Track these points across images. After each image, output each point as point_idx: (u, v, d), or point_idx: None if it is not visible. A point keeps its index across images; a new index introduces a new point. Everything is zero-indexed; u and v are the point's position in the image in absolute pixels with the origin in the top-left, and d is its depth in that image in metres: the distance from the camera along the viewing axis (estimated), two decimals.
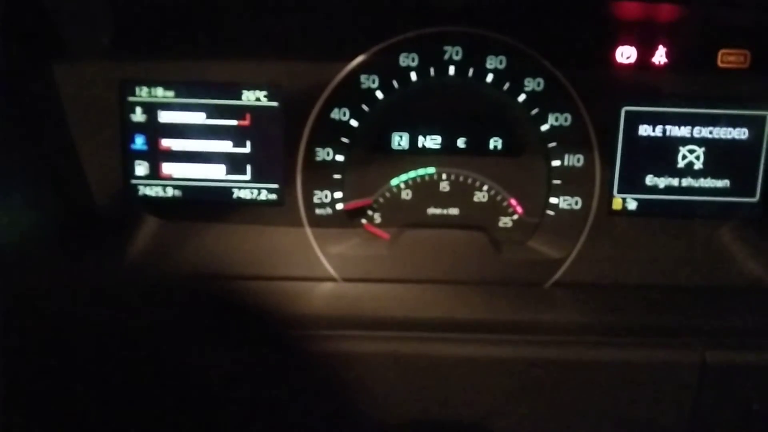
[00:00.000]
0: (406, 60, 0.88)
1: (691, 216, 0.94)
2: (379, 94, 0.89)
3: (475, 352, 0.78)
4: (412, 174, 0.93)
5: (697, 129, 0.91)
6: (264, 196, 0.93)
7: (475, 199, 0.93)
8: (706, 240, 0.94)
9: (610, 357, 0.78)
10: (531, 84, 0.89)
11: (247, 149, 0.92)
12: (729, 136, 0.91)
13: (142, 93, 0.90)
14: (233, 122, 0.91)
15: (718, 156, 0.92)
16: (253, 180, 0.93)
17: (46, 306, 0.78)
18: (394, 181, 0.93)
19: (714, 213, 0.94)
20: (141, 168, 0.93)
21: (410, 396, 0.79)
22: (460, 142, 0.92)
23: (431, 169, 0.93)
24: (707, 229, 0.94)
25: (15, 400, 0.75)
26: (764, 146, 0.91)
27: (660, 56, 0.89)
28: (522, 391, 0.78)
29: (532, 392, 0.78)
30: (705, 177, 0.93)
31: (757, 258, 0.92)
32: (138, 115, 0.91)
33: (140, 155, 0.92)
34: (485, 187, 0.93)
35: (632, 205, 0.93)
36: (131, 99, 0.90)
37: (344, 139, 0.91)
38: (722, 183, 0.93)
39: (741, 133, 0.91)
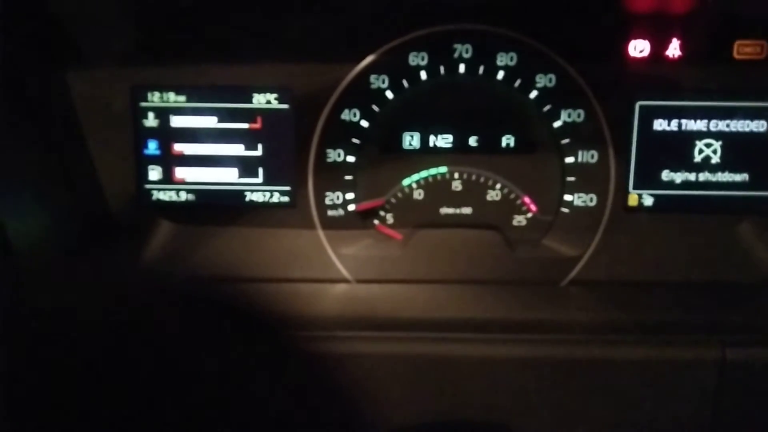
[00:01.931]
0: (416, 59, 0.88)
1: (709, 211, 0.92)
2: (390, 94, 0.89)
3: (490, 352, 0.78)
4: (424, 174, 0.92)
5: (713, 122, 0.90)
6: (276, 198, 0.93)
7: (488, 197, 0.93)
8: (725, 235, 0.92)
9: (628, 355, 0.77)
10: (542, 80, 0.88)
11: (258, 152, 0.92)
12: (747, 129, 0.89)
13: (154, 98, 0.91)
14: (244, 125, 0.91)
15: (736, 149, 0.90)
16: (265, 183, 0.93)
17: (63, 311, 0.78)
18: (405, 181, 0.93)
19: (733, 208, 0.92)
20: (154, 173, 0.93)
21: (426, 396, 0.79)
22: (472, 141, 0.91)
23: (443, 169, 0.92)
24: (726, 224, 0.92)
25: (25, 402, 0.75)
26: None
27: (674, 49, 0.87)
28: (539, 391, 0.78)
29: (549, 392, 0.78)
30: (723, 171, 0.91)
31: None
32: (150, 120, 0.91)
33: (153, 160, 0.93)
34: (498, 186, 0.92)
35: (648, 201, 0.92)
36: (143, 104, 0.91)
37: (355, 140, 0.90)
38: (740, 177, 0.91)
39: (759, 126, 0.89)
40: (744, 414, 0.76)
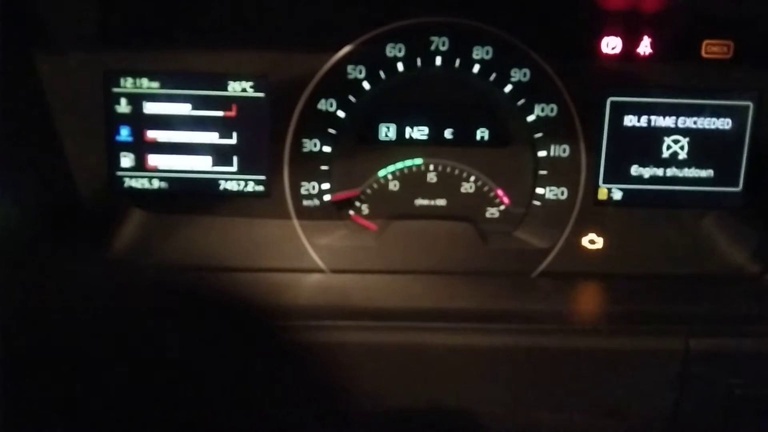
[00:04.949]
0: (393, 50, 0.88)
1: (675, 206, 0.95)
2: (366, 85, 0.89)
3: (462, 342, 0.79)
4: (399, 165, 0.93)
5: (681, 119, 0.92)
6: (251, 187, 0.93)
7: (462, 189, 0.94)
8: (691, 229, 0.95)
9: (596, 345, 0.78)
10: (517, 75, 0.89)
11: (233, 140, 0.91)
12: (713, 126, 0.92)
13: (127, 84, 0.89)
14: (219, 113, 0.90)
15: (702, 146, 0.93)
16: (240, 172, 0.92)
17: (31, 300, 0.77)
18: (381, 172, 0.93)
19: (698, 202, 0.94)
20: (126, 160, 0.92)
21: (398, 386, 0.79)
22: (448, 133, 0.92)
23: (418, 160, 0.93)
24: (691, 218, 0.95)
25: None
26: (747, 136, 0.92)
27: (645, 47, 0.89)
28: (509, 380, 0.79)
29: (519, 381, 0.79)
30: (689, 167, 0.94)
31: (739, 246, 0.93)
32: (123, 107, 0.90)
33: (125, 147, 0.91)
34: (472, 178, 0.93)
35: (617, 195, 0.94)
36: (116, 90, 0.90)
37: (331, 130, 0.90)
38: (706, 173, 0.94)
39: (724, 123, 0.92)
40: (706, 401, 0.78)
